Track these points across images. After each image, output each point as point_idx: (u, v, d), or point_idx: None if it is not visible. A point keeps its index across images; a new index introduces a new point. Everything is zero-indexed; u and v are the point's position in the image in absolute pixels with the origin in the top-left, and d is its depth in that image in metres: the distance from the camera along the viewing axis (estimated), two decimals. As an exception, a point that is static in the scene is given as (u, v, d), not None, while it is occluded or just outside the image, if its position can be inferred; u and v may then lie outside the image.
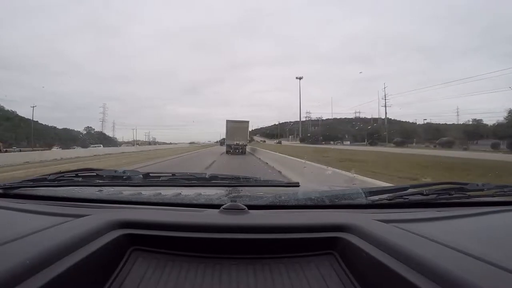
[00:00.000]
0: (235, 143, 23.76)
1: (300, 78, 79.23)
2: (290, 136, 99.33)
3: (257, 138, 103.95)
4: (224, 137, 26.92)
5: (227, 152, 23.84)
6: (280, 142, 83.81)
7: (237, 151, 23.46)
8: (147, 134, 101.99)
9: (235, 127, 24.61)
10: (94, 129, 73.30)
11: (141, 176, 1.22)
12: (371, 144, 51.57)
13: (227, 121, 25.48)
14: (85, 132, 70.30)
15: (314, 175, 6.50)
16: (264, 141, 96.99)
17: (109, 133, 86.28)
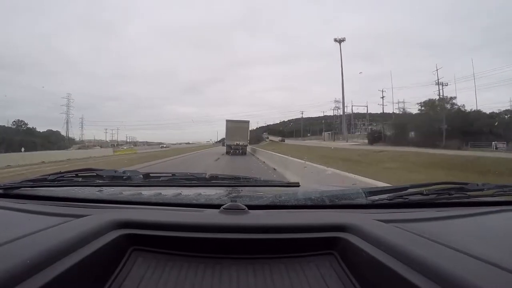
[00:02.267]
0: (235, 143, 23.35)
1: (341, 41, 55.97)
2: (325, 133, 68.54)
3: (273, 138, 77.35)
4: (224, 137, 26.09)
5: (227, 152, 23.37)
6: (283, 140, 67.07)
7: (237, 151, 23.03)
8: (107, 132, 76.50)
9: (235, 127, 24.21)
10: (27, 124, 52.10)
11: (141, 176, 1.22)
12: None
13: (227, 121, 25.09)
14: (14, 128, 49.38)
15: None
16: (283, 140, 72.51)
17: (75, 131, 71.33)
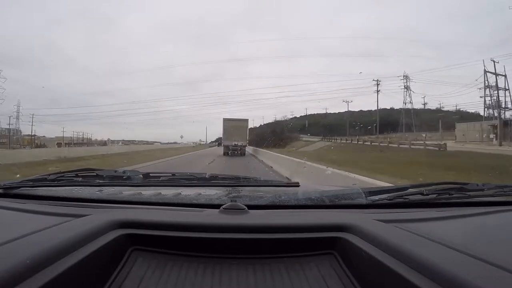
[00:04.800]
0: (233, 143, 21.92)
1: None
2: (473, 125, 34.01)
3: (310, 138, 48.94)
4: (221, 136, 24.10)
5: (225, 153, 21.90)
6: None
7: (236, 152, 21.71)
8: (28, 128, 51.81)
9: (233, 126, 22.81)
10: None
11: (141, 176, 1.22)
12: None
13: (224, 120, 23.63)
14: None
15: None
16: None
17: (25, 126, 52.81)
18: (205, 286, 0.62)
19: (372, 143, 34.09)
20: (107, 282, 0.61)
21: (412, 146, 27.03)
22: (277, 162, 11.84)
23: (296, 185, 1.25)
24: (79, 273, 0.56)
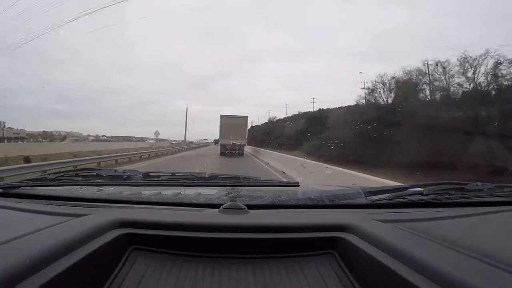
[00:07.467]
0: (231, 142, 20.12)
1: None
2: None
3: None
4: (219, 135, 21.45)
5: (221, 153, 20.37)
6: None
7: (234, 152, 20.19)
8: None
9: (231, 123, 20.59)
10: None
11: (141, 175, 1.22)
12: None
13: (221, 117, 21.31)
14: None
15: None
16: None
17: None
18: (205, 285, 0.62)
19: None
20: (107, 281, 0.61)
21: None
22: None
23: (296, 185, 1.25)
24: (79, 272, 0.56)
